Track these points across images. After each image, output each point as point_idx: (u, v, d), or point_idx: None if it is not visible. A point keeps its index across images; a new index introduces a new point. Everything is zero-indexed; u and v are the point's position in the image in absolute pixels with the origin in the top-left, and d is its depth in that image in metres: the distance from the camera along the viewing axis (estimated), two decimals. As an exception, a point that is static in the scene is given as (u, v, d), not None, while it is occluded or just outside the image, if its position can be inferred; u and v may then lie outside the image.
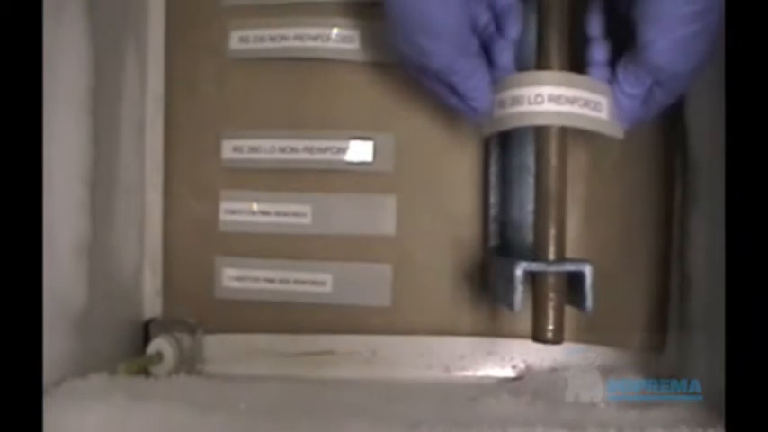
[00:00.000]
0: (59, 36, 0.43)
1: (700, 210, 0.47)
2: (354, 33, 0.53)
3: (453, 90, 0.43)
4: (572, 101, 0.41)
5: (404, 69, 0.45)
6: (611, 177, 0.53)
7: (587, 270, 0.42)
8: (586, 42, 0.43)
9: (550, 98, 0.41)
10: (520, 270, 0.42)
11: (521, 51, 0.48)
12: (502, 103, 0.42)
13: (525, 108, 0.41)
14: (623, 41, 0.42)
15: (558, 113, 0.41)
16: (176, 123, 0.56)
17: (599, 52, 0.43)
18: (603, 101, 0.42)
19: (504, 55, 0.43)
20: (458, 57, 0.41)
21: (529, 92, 0.41)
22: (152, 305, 0.56)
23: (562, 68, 0.42)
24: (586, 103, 0.41)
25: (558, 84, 0.41)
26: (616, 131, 0.43)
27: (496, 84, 0.43)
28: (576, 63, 0.43)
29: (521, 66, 0.44)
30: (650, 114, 0.43)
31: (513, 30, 0.43)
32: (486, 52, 0.44)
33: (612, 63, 0.42)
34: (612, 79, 0.42)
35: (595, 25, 0.43)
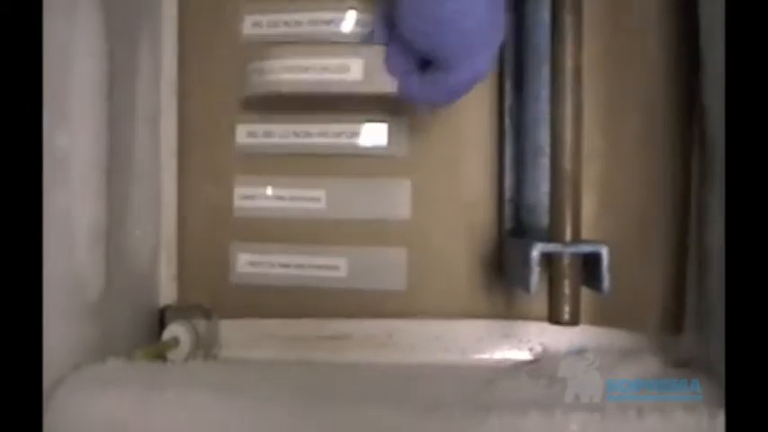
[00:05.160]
0: (75, 23, 0.43)
1: (717, 189, 0.46)
2: (368, 17, 0.53)
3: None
4: (305, 69, 0.47)
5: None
6: (627, 158, 0.52)
7: (604, 251, 0.41)
8: None
9: (283, 68, 0.48)
10: (536, 251, 0.41)
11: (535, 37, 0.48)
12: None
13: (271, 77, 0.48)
14: None
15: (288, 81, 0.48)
16: (190, 108, 0.56)
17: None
18: (357, 63, 0.46)
19: None
20: None
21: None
22: (168, 291, 0.56)
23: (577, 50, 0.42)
24: (326, 69, 0.46)
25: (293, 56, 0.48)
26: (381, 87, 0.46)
27: None
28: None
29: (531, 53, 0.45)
30: (439, 98, 0.44)
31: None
32: None
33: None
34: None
35: None
